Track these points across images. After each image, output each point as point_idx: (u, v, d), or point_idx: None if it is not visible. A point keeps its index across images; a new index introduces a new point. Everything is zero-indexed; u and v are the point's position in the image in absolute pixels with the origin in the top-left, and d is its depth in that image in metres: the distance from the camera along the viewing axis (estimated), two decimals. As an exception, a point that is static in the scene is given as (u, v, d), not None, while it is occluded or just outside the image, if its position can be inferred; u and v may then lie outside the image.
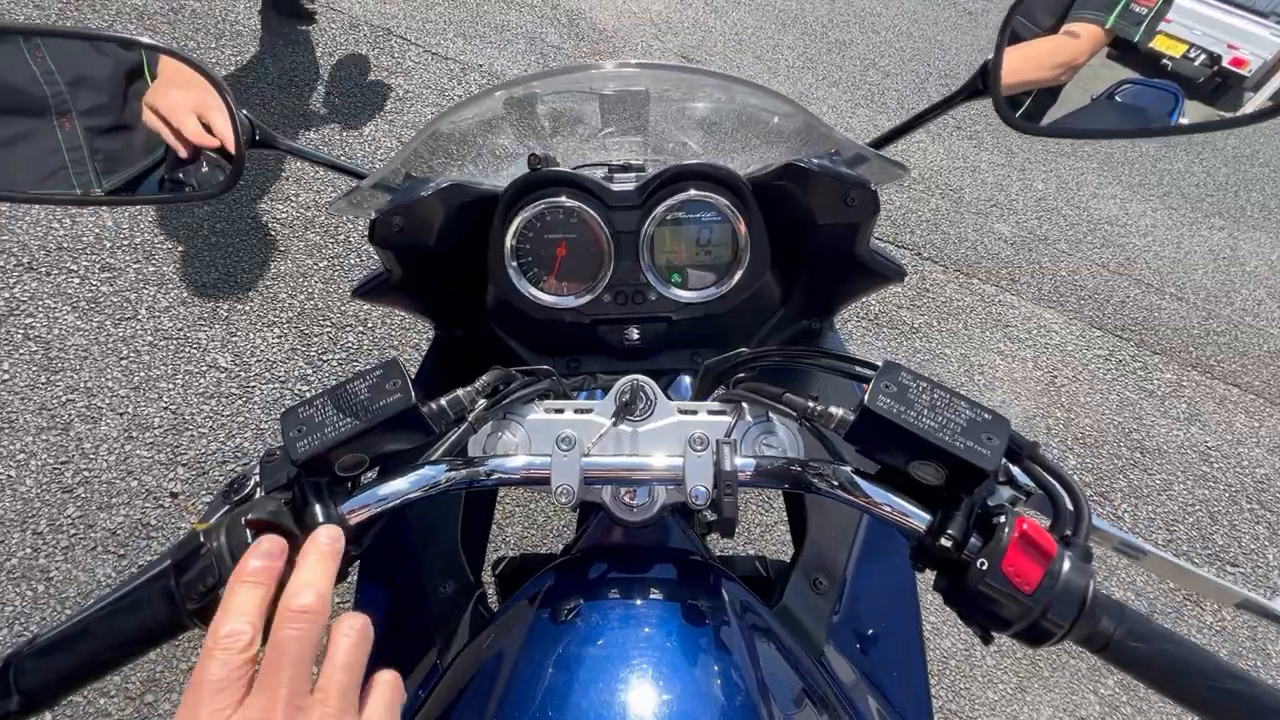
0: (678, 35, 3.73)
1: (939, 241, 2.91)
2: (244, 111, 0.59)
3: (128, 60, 0.73)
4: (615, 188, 0.64)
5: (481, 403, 0.54)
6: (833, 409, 0.48)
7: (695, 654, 0.48)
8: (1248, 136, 4.48)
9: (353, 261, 2.19)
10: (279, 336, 1.94)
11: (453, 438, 0.51)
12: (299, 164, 2.41)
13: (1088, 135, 0.68)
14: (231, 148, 0.61)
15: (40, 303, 1.83)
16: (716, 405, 0.56)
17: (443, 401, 0.49)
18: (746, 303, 0.69)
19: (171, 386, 1.76)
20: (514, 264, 0.65)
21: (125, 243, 2.04)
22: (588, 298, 0.66)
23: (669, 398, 0.54)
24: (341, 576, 0.47)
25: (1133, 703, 1.72)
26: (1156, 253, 3.23)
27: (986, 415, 0.41)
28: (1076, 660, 1.76)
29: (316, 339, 1.95)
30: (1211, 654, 0.38)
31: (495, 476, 0.51)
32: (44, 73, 0.67)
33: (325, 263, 2.16)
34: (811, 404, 0.51)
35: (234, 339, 1.90)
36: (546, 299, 0.66)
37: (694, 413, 0.55)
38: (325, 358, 1.92)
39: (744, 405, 0.55)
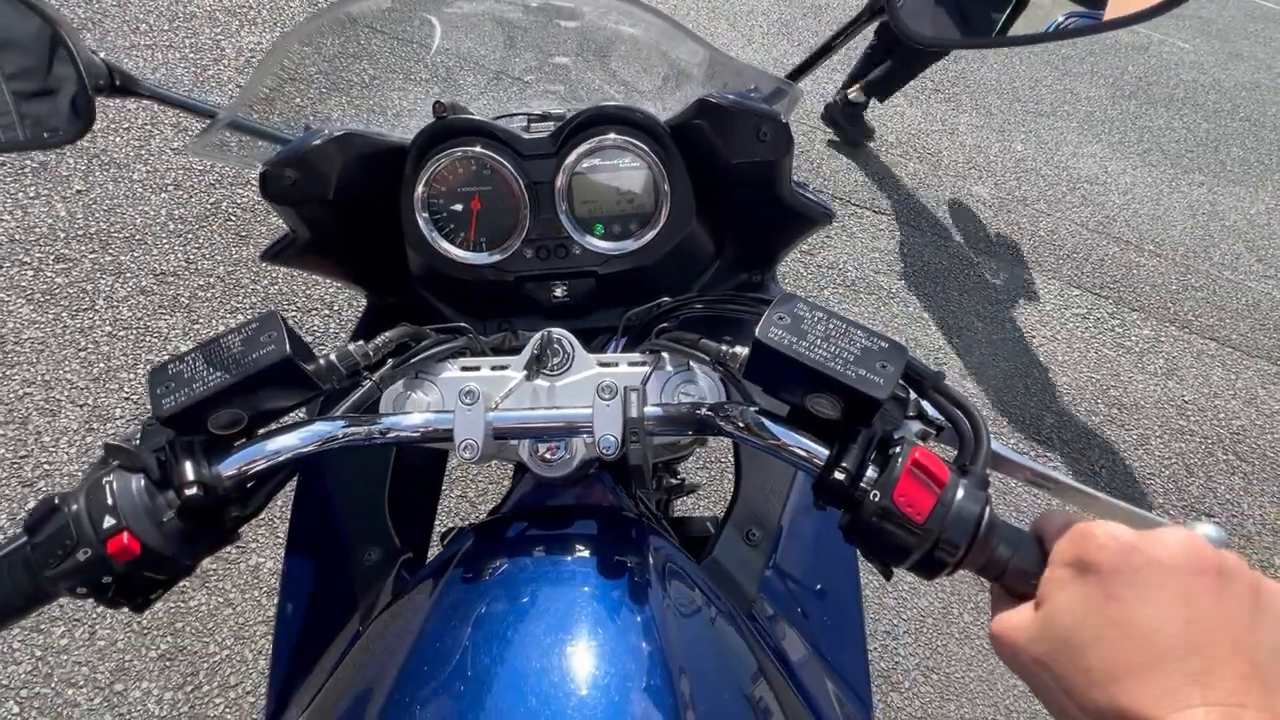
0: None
1: (917, 205, 2.88)
2: (100, 55, 0.56)
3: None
4: (529, 136, 0.62)
5: (390, 362, 0.52)
6: (738, 349, 0.46)
7: (612, 609, 0.47)
8: (1230, 93, 4.44)
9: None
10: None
11: (356, 395, 0.49)
12: (261, 149, 2.35)
13: (992, 44, 0.65)
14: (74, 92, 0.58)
15: (-6, 296, 1.79)
16: (637, 356, 0.54)
17: (331, 356, 0.47)
18: (677, 256, 0.67)
19: (133, 377, 1.73)
20: (426, 217, 0.62)
21: (80, 232, 1.99)
22: (508, 252, 0.63)
23: (589, 353, 0.52)
24: (231, 539, 0.45)
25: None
26: (1135, 210, 3.21)
27: (883, 344, 0.39)
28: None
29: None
30: None
31: (392, 434, 0.49)
32: None
33: (289, 246, 2.12)
34: (725, 348, 0.49)
35: (196, 326, 1.86)
36: (464, 255, 0.64)
37: (614, 365, 0.54)
38: (290, 342, 1.89)
39: (664, 355, 0.53)
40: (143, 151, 2.26)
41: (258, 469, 0.43)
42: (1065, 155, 3.42)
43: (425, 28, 0.70)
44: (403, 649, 0.45)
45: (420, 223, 0.62)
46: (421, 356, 0.53)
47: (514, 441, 0.53)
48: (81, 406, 1.65)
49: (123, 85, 0.57)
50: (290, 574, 0.65)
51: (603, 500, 0.59)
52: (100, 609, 1.37)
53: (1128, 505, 0.40)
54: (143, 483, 0.40)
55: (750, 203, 0.64)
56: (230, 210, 2.17)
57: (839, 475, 0.38)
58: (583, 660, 0.42)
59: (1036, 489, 0.42)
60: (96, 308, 1.84)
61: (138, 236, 2.03)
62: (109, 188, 2.13)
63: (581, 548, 0.51)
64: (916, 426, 0.42)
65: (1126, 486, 2.10)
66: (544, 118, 0.66)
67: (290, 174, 0.58)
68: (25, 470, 1.53)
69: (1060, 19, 0.65)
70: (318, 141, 0.58)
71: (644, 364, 0.53)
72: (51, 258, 1.90)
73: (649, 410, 0.48)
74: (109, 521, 0.38)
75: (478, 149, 0.60)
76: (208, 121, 0.64)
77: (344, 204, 0.61)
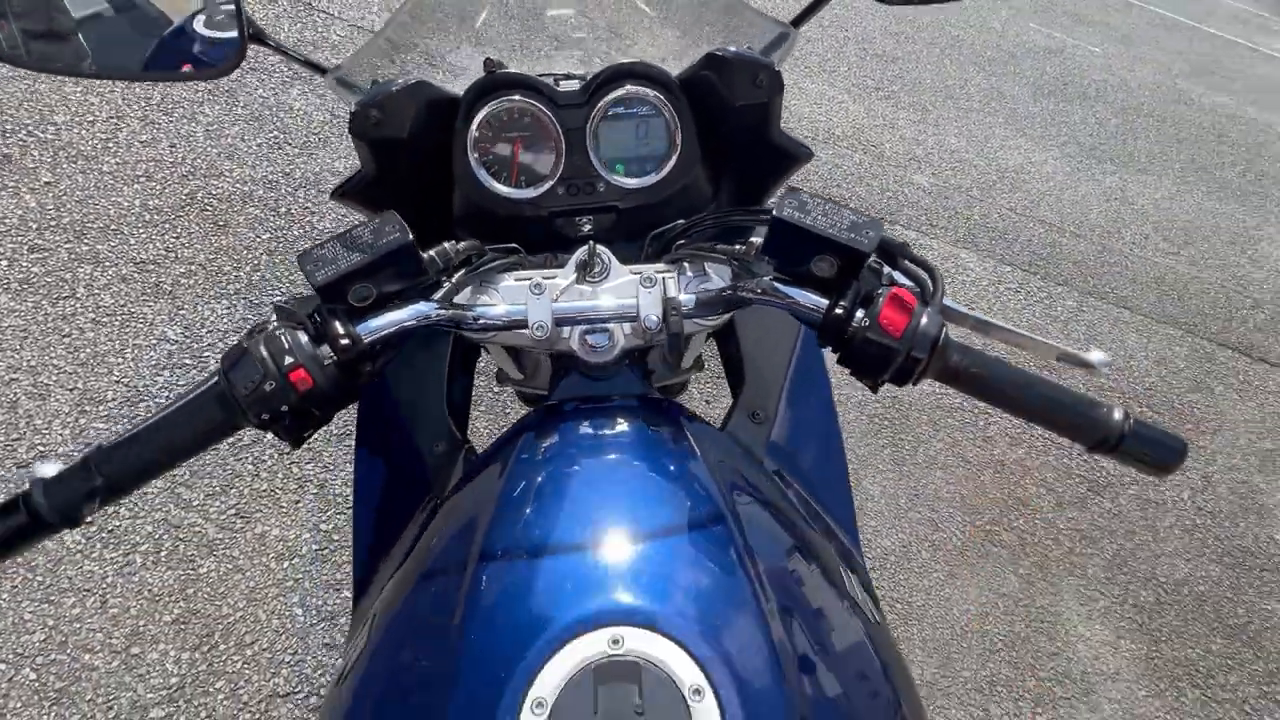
0: None
1: (863, 193, 3.10)
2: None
3: None
4: (562, 89, 0.73)
5: (461, 272, 0.63)
6: (753, 239, 0.59)
7: (667, 467, 0.58)
8: (1135, 92, 4.89)
9: (296, 233, 2.19)
10: (229, 308, 1.93)
11: (445, 288, 0.59)
12: (231, 141, 2.37)
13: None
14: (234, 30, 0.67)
15: (-32, 286, 1.78)
16: (661, 265, 0.67)
17: (431, 252, 0.57)
18: (684, 195, 0.79)
19: (121, 361, 1.75)
20: (475, 158, 0.73)
21: (53, 223, 1.98)
22: (544, 188, 0.75)
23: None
24: (356, 396, 0.55)
25: (1047, 578, 1.94)
26: (1058, 196, 3.52)
27: (866, 218, 0.53)
28: (998, 549, 1.98)
29: (267, 309, 1.96)
30: (1029, 372, 0.51)
31: (481, 321, 0.60)
32: None
33: (268, 235, 2.16)
34: (739, 247, 0.62)
35: (182, 312, 1.89)
36: (507, 191, 0.75)
37: (642, 272, 0.66)
38: (278, 325, 1.93)
39: (685, 264, 0.66)
40: (110, 144, 2.25)
41: (384, 334, 0.53)
42: (994, 147, 3.72)
43: (474, 7, 0.80)
44: (487, 512, 0.53)
45: (471, 162, 0.73)
46: (489, 265, 0.64)
47: (566, 334, 0.64)
48: (71, 390, 1.66)
49: (254, 35, 0.66)
50: (362, 470, 0.75)
51: (633, 389, 0.71)
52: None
53: (1042, 338, 0.55)
54: (305, 336, 0.50)
55: (746, 144, 0.77)
56: (206, 200, 2.19)
57: (838, 312, 0.51)
58: (652, 509, 0.52)
59: (980, 335, 0.57)
60: (77, 295, 1.84)
61: (113, 226, 2.04)
62: (78, 179, 2.12)
63: (627, 421, 0.63)
64: (887, 281, 0.56)
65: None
66: (568, 76, 0.78)
67: (374, 114, 0.68)
68: (19, 452, 1.54)
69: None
70: (396, 87, 0.68)
71: (668, 271, 0.65)
72: (25, 248, 1.90)
73: (683, 296, 0.61)
74: (288, 360, 0.48)
75: (521, 99, 0.71)
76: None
77: (411, 145, 0.71)
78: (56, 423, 1.60)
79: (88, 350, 1.75)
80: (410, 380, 0.75)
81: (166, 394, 1.71)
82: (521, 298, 0.62)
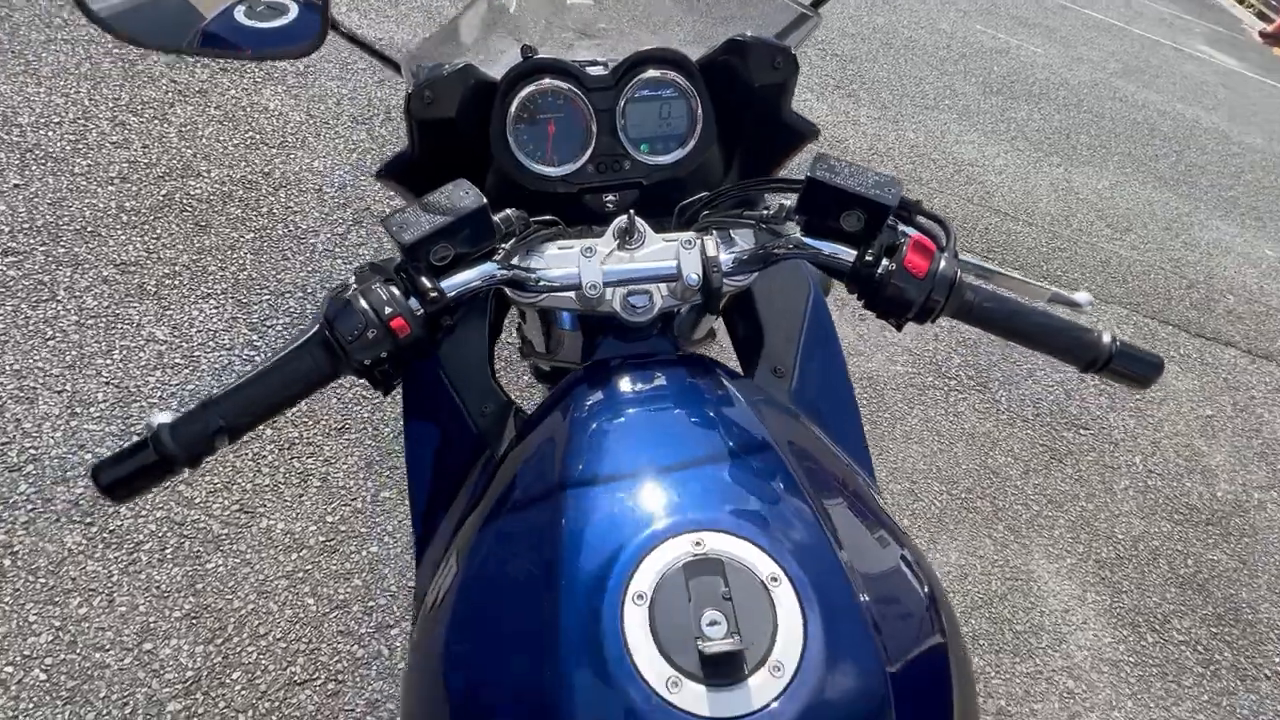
0: None
1: (831, 186, 3.22)
2: None
3: None
4: (593, 73, 0.79)
5: (511, 240, 0.68)
6: (782, 200, 0.66)
7: (711, 403, 0.64)
8: (1075, 89, 5.18)
9: (280, 232, 2.18)
10: (216, 307, 1.92)
11: (502, 253, 0.64)
12: (206, 141, 2.35)
13: None
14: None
15: (-59, 291, 1.72)
16: (691, 233, 0.73)
17: (496, 218, 0.62)
18: (700, 172, 0.86)
19: (109, 362, 1.72)
20: (514, 137, 0.78)
21: (26, 226, 1.94)
22: (576, 165, 0.80)
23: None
24: (436, 348, 0.60)
25: (1019, 540, 2.07)
26: (1010, 187, 3.72)
27: (888, 176, 0.60)
28: (974, 515, 2.10)
29: (256, 307, 1.96)
30: (1029, 306, 0.60)
31: (541, 282, 0.65)
32: None
33: (251, 234, 2.14)
34: (764, 211, 0.69)
35: (169, 312, 1.87)
36: (541, 169, 0.80)
37: (674, 241, 0.72)
38: (269, 324, 1.93)
39: (713, 231, 0.72)
40: (80, 145, 2.21)
41: (460, 290, 0.58)
42: (949, 142, 3.90)
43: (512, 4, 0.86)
44: (562, 451, 0.58)
45: (510, 141, 0.78)
46: (539, 234, 0.69)
47: (609, 295, 0.70)
48: (60, 393, 1.64)
49: (331, 22, 0.70)
50: (414, 438, 0.79)
51: (666, 350, 0.77)
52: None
53: (1046, 285, 0.64)
54: (398, 290, 0.54)
55: (761, 122, 0.85)
56: (185, 201, 2.16)
57: (868, 259, 0.59)
58: (709, 440, 0.58)
59: (982, 279, 0.65)
60: (58, 298, 1.81)
61: (89, 228, 2.00)
62: (49, 181, 2.08)
63: (671, 372, 0.69)
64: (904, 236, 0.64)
65: (1023, 406, 2.49)
66: (593, 63, 0.84)
67: (428, 94, 0.72)
68: (10, 456, 1.51)
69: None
70: (446, 71, 0.73)
71: (705, 235, 0.72)
72: (-1, 251, 1.85)
73: (723, 256, 0.67)
74: (388, 310, 0.53)
75: (557, 82, 0.77)
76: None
77: (456, 125, 0.76)
78: (47, 425, 1.58)
79: (74, 353, 1.72)
80: (454, 352, 0.80)
81: (160, 394, 1.70)
82: (568, 263, 0.68)
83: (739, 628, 0.43)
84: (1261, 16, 10.36)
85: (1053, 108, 4.78)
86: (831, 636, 0.44)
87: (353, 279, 0.58)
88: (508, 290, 0.67)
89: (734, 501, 0.52)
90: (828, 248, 0.63)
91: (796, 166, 0.92)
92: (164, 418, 0.50)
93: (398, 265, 0.57)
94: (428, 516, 0.75)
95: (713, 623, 0.43)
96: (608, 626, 0.44)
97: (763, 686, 0.41)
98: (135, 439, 0.50)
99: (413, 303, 0.55)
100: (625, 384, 0.66)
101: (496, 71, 0.78)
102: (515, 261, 0.66)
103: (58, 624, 1.32)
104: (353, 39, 0.75)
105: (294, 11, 0.79)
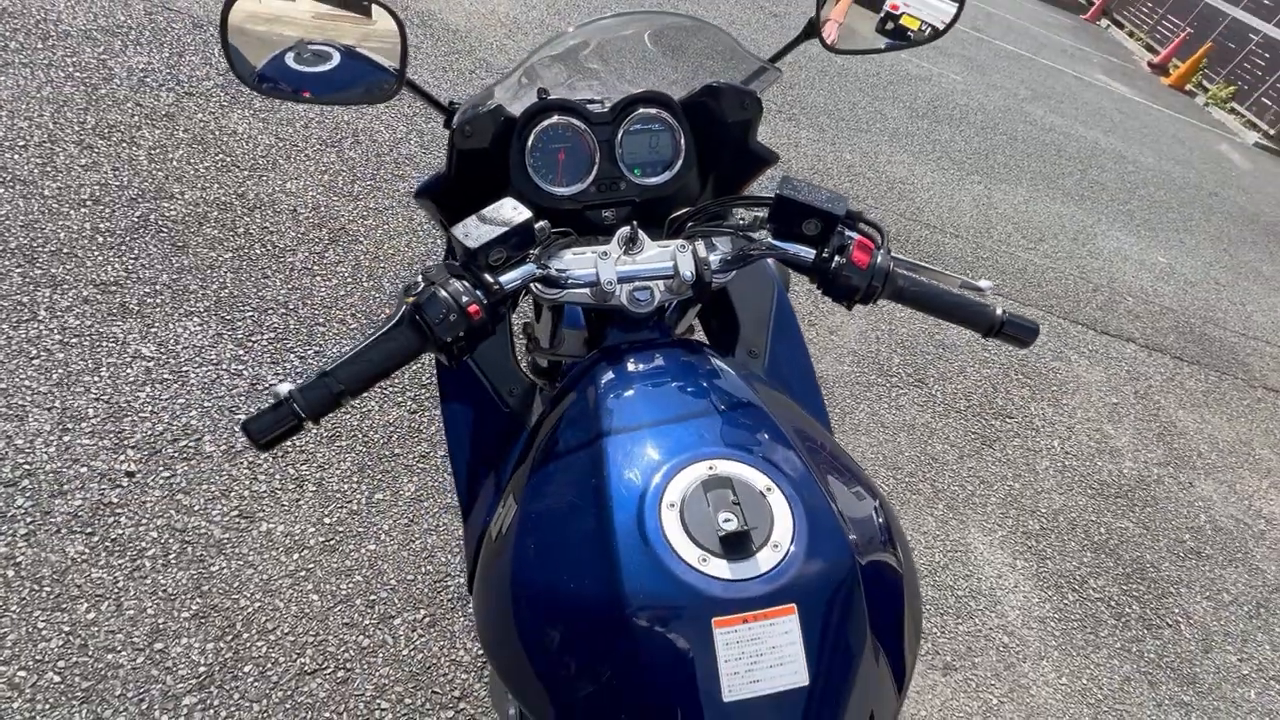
0: (527, 35, 4.01)
1: (778, 203, 3.48)
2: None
3: None
4: (595, 111, 0.96)
5: (539, 248, 0.83)
6: (756, 212, 0.84)
7: (708, 373, 0.81)
8: (991, 114, 5.67)
9: (259, 251, 2.24)
10: (200, 324, 1.97)
11: (533, 257, 0.79)
12: (177, 164, 2.39)
13: (872, 51, 1.10)
14: (398, 61, 0.86)
15: (-83, 313, 1.73)
16: (682, 240, 0.90)
17: (534, 227, 0.77)
18: (681, 191, 1.03)
19: (97, 379, 1.76)
20: (530, 163, 0.93)
21: (-1, 248, 1.95)
22: (581, 186, 0.96)
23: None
24: (494, 332, 0.74)
25: (957, 517, 2.31)
26: (937, 203, 4.07)
27: (836, 194, 0.79)
28: (917, 496, 2.33)
29: (240, 323, 2.02)
30: (945, 289, 0.79)
31: (570, 280, 0.81)
32: None
33: (230, 254, 2.20)
34: (741, 220, 0.86)
35: (153, 330, 1.91)
36: (552, 189, 0.95)
37: (667, 247, 0.89)
38: (254, 339, 1.99)
39: (699, 238, 0.89)
40: (48, 168, 2.22)
41: (512, 286, 0.73)
42: (882, 162, 4.24)
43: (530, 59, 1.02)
44: (593, 410, 0.73)
45: (527, 166, 0.93)
46: (561, 242, 0.85)
47: (618, 291, 0.85)
48: (49, 410, 1.67)
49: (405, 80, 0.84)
50: (452, 421, 0.92)
51: (663, 336, 0.93)
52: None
53: (956, 274, 0.83)
54: (468, 284, 0.68)
55: (731, 150, 1.02)
56: (160, 222, 2.21)
57: (824, 256, 0.77)
58: (710, 397, 0.75)
59: (908, 270, 0.84)
60: (39, 318, 1.83)
61: (65, 250, 2.02)
62: (19, 204, 2.09)
63: (672, 352, 0.85)
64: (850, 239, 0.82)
65: (955, 401, 2.76)
66: (593, 101, 1.00)
67: (469, 128, 0.87)
68: (4, 472, 1.53)
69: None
70: (483, 109, 0.88)
71: (693, 241, 0.88)
72: (-25, 273, 1.86)
73: (712, 257, 0.84)
74: (464, 299, 0.67)
75: (566, 119, 0.93)
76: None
77: (487, 154, 0.90)
78: (39, 441, 1.60)
79: (60, 371, 1.75)
80: (481, 345, 0.94)
81: (151, 408, 1.74)
82: (586, 265, 0.83)
83: (746, 522, 0.59)
84: (1149, 49, 11.50)
85: (972, 130, 5.23)
86: (813, 526, 0.61)
87: (420, 278, 0.72)
88: (537, 287, 0.81)
89: (734, 438, 0.68)
90: (793, 248, 0.80)
91: (759, 186, 1.10)
92: (288, 386, 0.62)
93: (461, 264, 0.71)
94: (470, 487, 0.89)
95: (727, 519, 0.59)
96: (650, 525, 0.59)
97: (767, 558, 0.57)
98: (270, 401, 0.62)
99: (479, 294, 0.69)
100: (638, 361, 0.82)
101: (517, 109, 0.93)
102: (546, 263, 0.81)
103: (67, 629, 1.36)
104: (411, 85, 0.89)
105: (336, 59, 0.93)
